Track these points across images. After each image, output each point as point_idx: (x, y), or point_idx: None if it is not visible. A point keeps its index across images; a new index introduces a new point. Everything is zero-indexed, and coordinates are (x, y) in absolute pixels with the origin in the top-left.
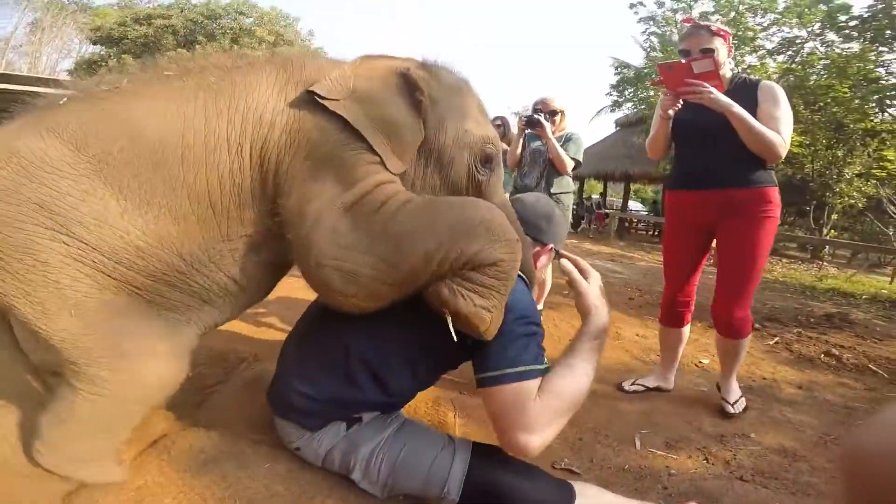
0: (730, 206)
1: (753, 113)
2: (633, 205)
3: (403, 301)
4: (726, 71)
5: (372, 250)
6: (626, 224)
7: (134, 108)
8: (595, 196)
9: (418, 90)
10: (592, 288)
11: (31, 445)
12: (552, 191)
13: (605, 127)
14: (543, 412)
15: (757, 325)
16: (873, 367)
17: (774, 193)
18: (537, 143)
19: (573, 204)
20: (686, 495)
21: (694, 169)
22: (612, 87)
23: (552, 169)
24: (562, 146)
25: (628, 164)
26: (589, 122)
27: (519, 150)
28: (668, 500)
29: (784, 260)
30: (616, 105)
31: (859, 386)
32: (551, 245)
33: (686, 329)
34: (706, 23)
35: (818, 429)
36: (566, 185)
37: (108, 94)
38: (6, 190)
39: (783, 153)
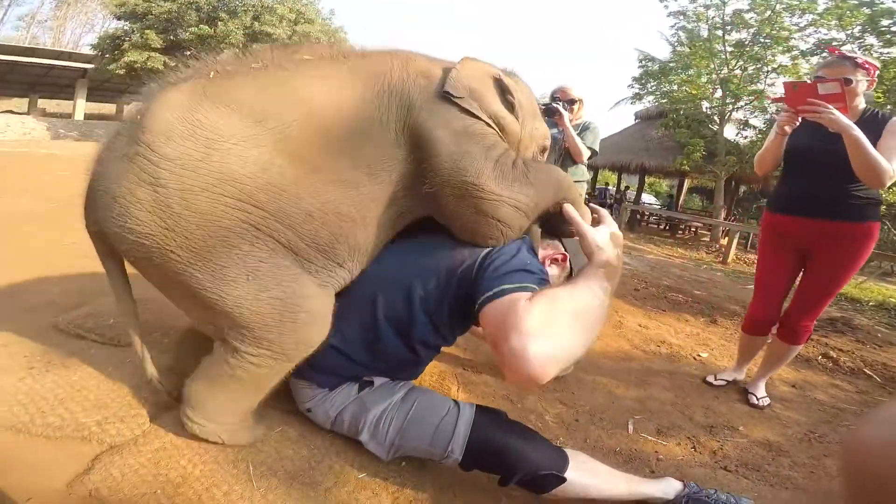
0: (834, 236)
1: (874, 143)
2: (647, 198)
3: (429, 254)
4: (860, 102)
5: (525, 191)
6: (639, 216)
7: (305, 87)
8: (611, 187)
9: (509, 93)
10: (600, 233)
11: (183, 414)
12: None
13: (623, 118)
14: (535, 310)
15: (733, 319)
16: (868, 372)
17: (877, 228)
18: (554, 131)
19: (586, 193)
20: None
21: (803, 195)
22: (635, 79)
23: (567, 157)
24: (578, 135)
25: (645, 156)
26: (609, 109)
27: None
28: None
29: None
30: (637, 97)
31: (851, 388)
32: (568, 256)
33: (767, 337)
34: (852, 55)
35: (805, 426)
36: (580, 173)
37: (267, 73)
38: (193, 160)
39: (888, 182)
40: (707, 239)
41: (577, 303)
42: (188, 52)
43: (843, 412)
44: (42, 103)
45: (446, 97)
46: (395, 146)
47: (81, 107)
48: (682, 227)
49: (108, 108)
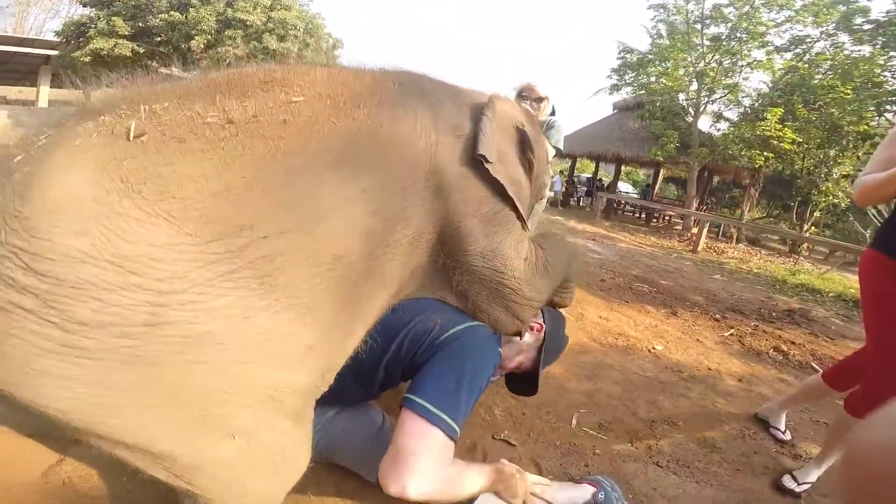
0: None
1: None
2: (624, 186)
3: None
4: None
5: (546, 288)
6: (615, 205)
7: (301, 182)
8: (585, 176)
9: (531, 150)
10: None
11: None
12: None
13: (602, 108)
14: (429, 476)
15: (717, 316)
16: (815, 365)
17: None
18: None
19: (563, 183)
20: (603, 474)
21: None
22: (614, 70)
23: None
24: (544, 132)
25: (621, 146)
26: (588, 98)
27: None
28: (584, 475)
29: (763, 252)
30: (615, 88)
31: (797, 382)
32: (544, 327)
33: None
34: None
35: (742, 422)
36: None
37: (235, 142)
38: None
39: None
40: (680, 227)
41: (459, 489)
42: (158, 39)
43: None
44: (2, 90)
45: (478, 161)
46: (417, 240)
47: (45, 93)
48: (657, 215)
49: (75, 94)
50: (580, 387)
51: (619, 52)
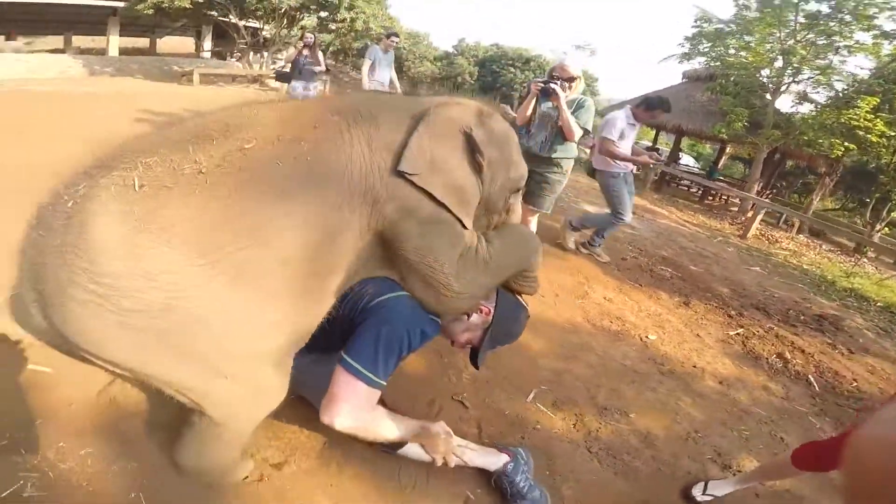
0: None
1: None
2: (687, 159)
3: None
4: None
5: (484, 282)
6: (667, 178)
7: (255, 211)
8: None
9: (479, 153)
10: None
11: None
12: (554, 155)
13: (672, 75)
14: (352, 416)
15: (732, 312)
16: (811, 378)
17: None
18: (548, 106)
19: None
20: (531, 449)
21: None
22: (687, 38)
23: (559, 134)
24: (573, 111)
25: (684, 118)
26: (657, 63)
27: (529, 111)
28: (514, 446)
29: (825, 247)
30: (686, 57)
31: (780, 392)
32: (492, 311)
33: None
34: None
35: (694, 424)
36: (570, 150)
37: (206, 189)
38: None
39: None
40: (736, 209)
41: (377, 431)
42: None
43: (747, 416)
44: (77, 40)
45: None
46: (360, 240)
47: (115, 42)
48: (713, 193)
49: (142, 41)
50: (553, 364)
51: (696, 20)
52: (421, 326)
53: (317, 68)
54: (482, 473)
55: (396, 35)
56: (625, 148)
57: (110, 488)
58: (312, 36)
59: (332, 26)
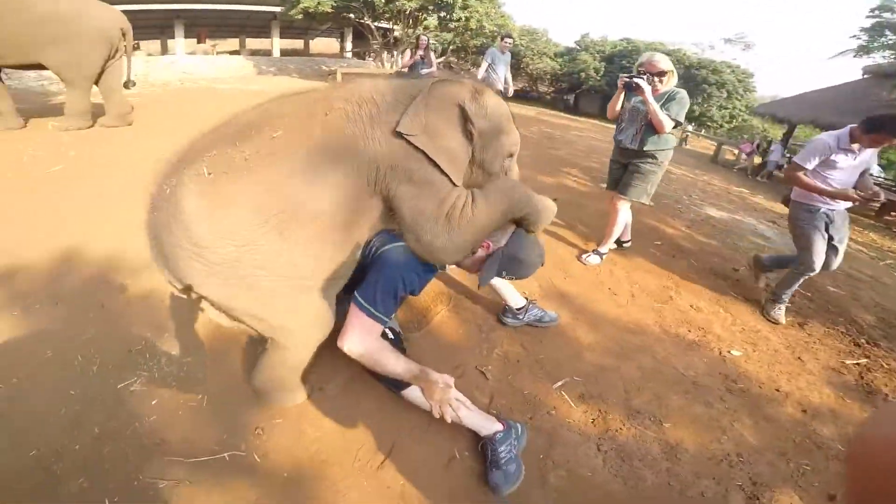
0: None
1: None
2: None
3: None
4: None
5: (468, 237)
6: None
7: (289, 184)
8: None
9: (470, 123)
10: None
11: (264, 396)
12: (646, 148)
13: (845, 72)
14: (363, 346)
15: (861, 340)
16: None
17: None
18: (637, 100)
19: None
20: (534, 430)
21: None
22: (864, 30)
23: (649, 127)
24: (663, 105)
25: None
26: (829, 59)
27: (619, 106)
28: (516, 421)
29: None
30: (862, 50)
31: (856, 417)
32: (490, 244)
33: None
34: None
35: (740, 447)
36: (664, 142)
37: (255, 170)
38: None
39: None
40: None
41: (380, 361)
42: None
43: (819, 450)
44: (249, 42)
45: (405, 139)
46: (370, 200)
47: (277, 45)
48: None
49: (298, 43)
50: (598, 360)
51: (872, 10)
52: (414, 271)
53: (425, 70)
54: (477, 438)
55: (510, 36)
56: (837, 179)
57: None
58: (426, 38)
59: (451, 25)
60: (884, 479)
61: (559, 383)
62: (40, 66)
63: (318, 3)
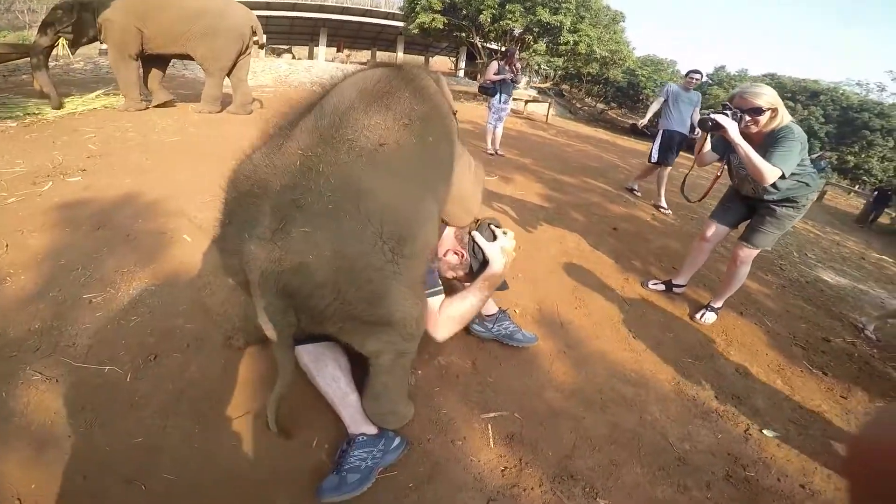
0: None
1: None
2: None
3: None
4: None
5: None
6: None
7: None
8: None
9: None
10: (494, 249)
11: (382, 422)
12: (768, 197)
13: None
14: (437, 326)
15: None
16: None
17: None
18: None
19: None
20: (426, 455)
21: None
22: None
23: (747, 177)
24: (770, 148)
25: None
26: None
27: (705, 151)
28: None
29: None
30: None
31: None
32: (466, 255)
33: None
34: None
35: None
36: (804, 178)
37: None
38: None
39: None
40: None
41: (464, 312)
42: (462, 13)
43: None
44: (379, 55)
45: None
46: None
47: (400, 55)
48: None
49: (419, 59)
50: (560, 403)
51: None
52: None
53: (509, 75)
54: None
55: (697, 72)
56: None
57: None
58: (514, 48)
59: (560, 49)
60: (883, 482)
61: (491, 414)
62: (187, 57)
63: (433, 20)
